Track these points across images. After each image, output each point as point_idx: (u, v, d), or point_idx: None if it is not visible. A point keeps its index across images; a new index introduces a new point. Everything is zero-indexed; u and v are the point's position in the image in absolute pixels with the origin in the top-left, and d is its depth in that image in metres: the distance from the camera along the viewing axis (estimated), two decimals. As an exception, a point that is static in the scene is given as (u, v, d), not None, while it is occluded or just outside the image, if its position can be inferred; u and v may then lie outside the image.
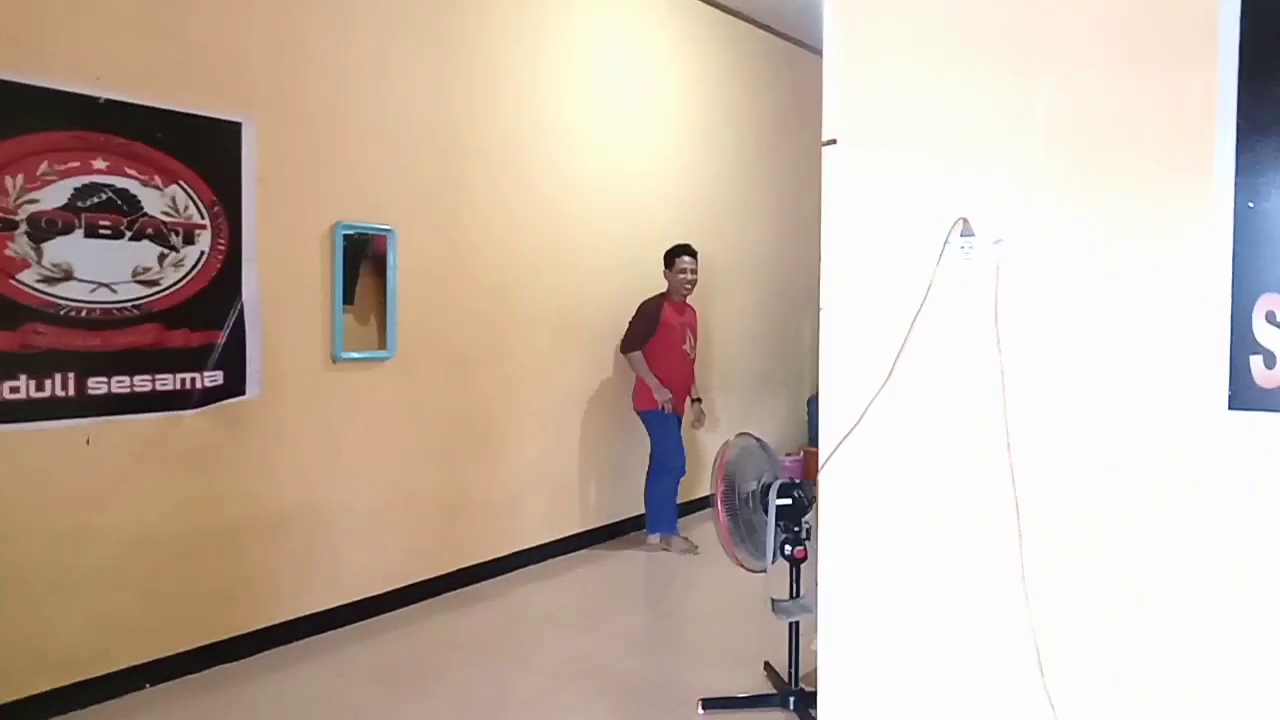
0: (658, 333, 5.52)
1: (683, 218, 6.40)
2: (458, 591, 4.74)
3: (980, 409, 2.69)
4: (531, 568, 5.20)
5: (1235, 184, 2.34)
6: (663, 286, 5.73)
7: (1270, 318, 2.32)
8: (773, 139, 7.36)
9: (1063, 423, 2.59)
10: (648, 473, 5.77)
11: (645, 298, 5.71)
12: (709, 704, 3.40)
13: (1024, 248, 2.62)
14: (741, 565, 3.40)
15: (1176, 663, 2.48)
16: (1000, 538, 2.67)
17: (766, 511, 3.31)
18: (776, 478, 3.40)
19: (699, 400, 5.88)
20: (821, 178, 2.96)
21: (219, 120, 3.70)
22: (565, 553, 5.48)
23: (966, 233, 2.69)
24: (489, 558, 4.98)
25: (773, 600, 3.40)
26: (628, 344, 5.54)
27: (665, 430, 5.59)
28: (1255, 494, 2.36)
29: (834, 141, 2.92)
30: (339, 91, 4.15)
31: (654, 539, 5.70)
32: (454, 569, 4.77)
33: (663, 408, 5.50)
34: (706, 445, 6.34)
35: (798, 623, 3.42)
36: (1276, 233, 2.31)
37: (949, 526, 2.78)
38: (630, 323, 5.57)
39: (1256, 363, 2.34)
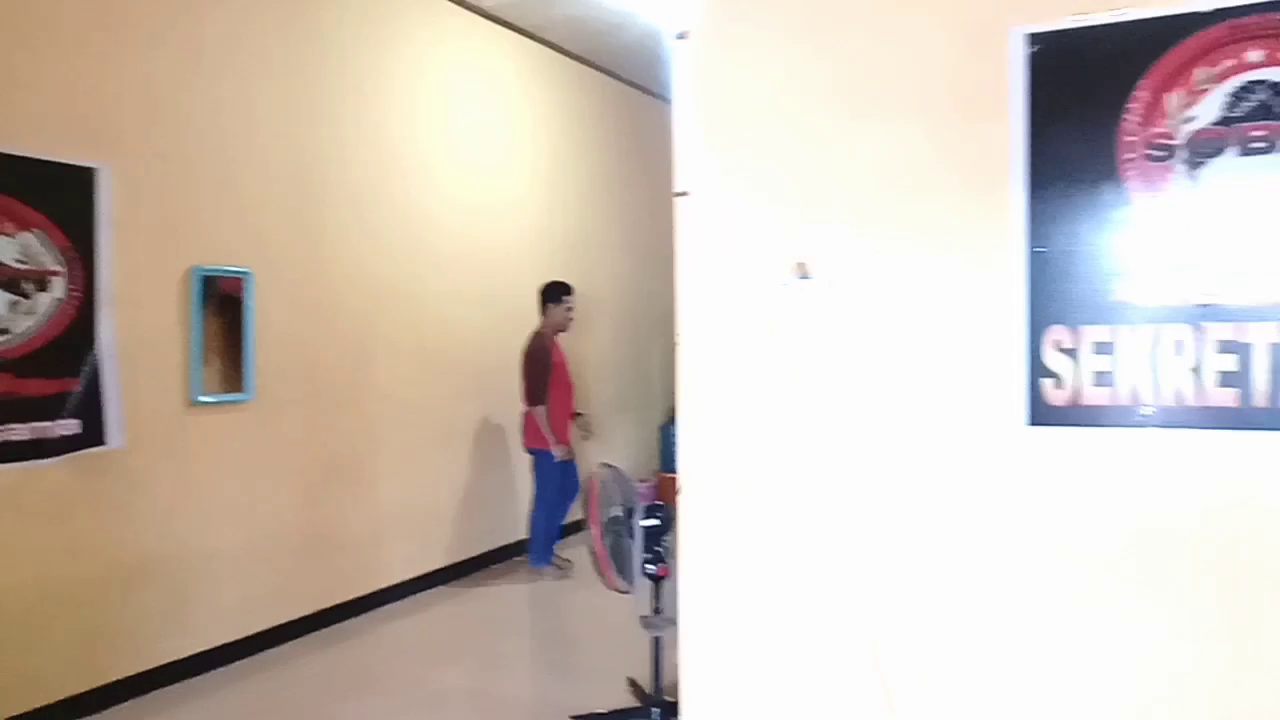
0: (554, 372, 5.65)
1: (538, 253, 6.62)
2: (326, 630, 4.74)
3: (819, 432, 3.00)
4: (399, 603, 5.25)
5: (1027, 230, 2.74)
6: (527, 321, 5.89)
7: (1057, 345, 2.72)
8: (622, 178, 7.68)
9: (891, 441, 2.94)
10: (533, 506, 5.88)
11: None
12: (579, 720, 3.59)
13: (853, 287, 2.96)
14: (615, 588, 3.60)
15: (994, 655, 2.84)
16: (839, 547, 2.99)
17: (632, 535, 3.53)
18: (637, 503, 3.62)
19: (582, 414, 6.05)
20: (674, 224, 3.24)
21: (73, 166, 3.67)
22: (433, 586, 5.54)
23: (804, 275, 3.01)
24: (356, 595, 5.01)
25: (642, 616, 3.62)
26: (534, 396, 5.59)
27: (553, 471, 5.71)
28: (1051, 495, 2.75)
29: (685, 193, 3.21)
30: (194, 136, 4.17)
31: (540, 568, 5.80)
32: (321, 608, 4.78)
33: (561, 459, 5.62)
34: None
35: (660, 638, 3.65)
36: (1059, 273, 2.71)
37: (793, 539, 3.07)
38: (528, 373, 5.61)
39: (1048, 385, 2.74)
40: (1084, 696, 2.73)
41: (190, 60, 4.16)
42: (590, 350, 7.29)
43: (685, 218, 3.21)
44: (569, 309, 5.76)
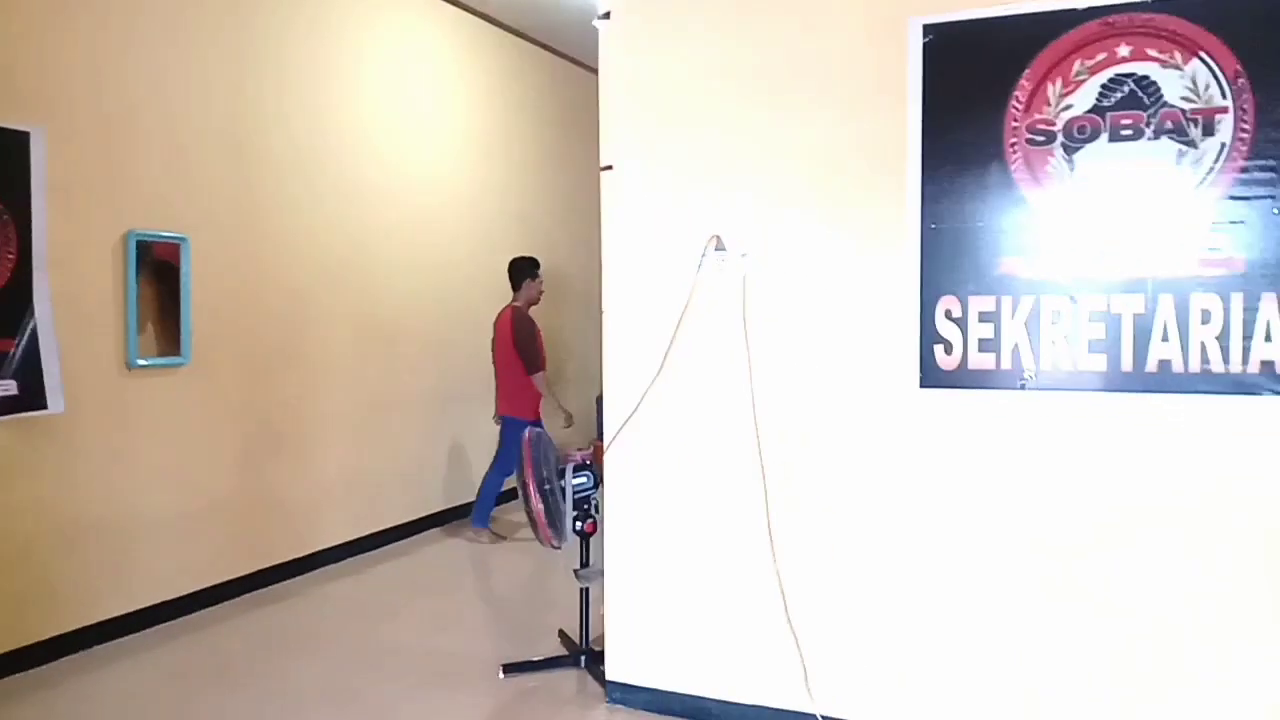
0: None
1: (474, 224, 6.73)
2: (264, 590, 4.86)
3: (733, 392, 3.22)
4: (338, 565, 5.38)
5: (921, 209, 2.98)
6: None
7: (948, 314, 2.97)
8: (563, 152, 7.80)
9: (797, 400, 3.17)
10: (489, 470, 5.98)
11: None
12: (509, 668, 3.77)
13: (764, 259, 3.18)
14: (551, 544, 3.74)
15: (889, 592, 3.09)
16: (749, 501, 3.21)
17: (561, 494, 3.70)
18: (563, 465, 3.79)
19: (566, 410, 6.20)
20: (600, 198, 3.41)
21: (5, 130, 3.70)
22: (371, 549, 5.68)
23: (720, 248, 3.21)
24: (292, 557, 5.12)
25: (575, 570, 3.81)
26: (536, 364, 5.70)
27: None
28: (940, 448, 3.00)
29: (610, 167, 3.38)
30: (130, 101, 4.21)
31: (477, 530, 5.93)
32: (259, 568, 4.89)
33: (566, 425, 5.80)
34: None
35: (588, 591, 3.84)
36: (950, 248, 2.95)
37: (711, 491, 3.30)
38: (520, 344, 5.70)
39: (939, 350, 2.99)
40: (965, 627, 3.00)
41: (129, 24, 4.19)
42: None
43: (610, 191, 3.40)
44: (541, 284, 5.89)
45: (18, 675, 3.75)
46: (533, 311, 5.91)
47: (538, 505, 3.64)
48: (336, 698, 3.57)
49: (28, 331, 3.78)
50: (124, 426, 4.20)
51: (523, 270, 5.91)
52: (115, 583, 4.17)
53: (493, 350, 5.91)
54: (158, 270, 4.37)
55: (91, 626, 4.06)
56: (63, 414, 3.88)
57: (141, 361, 4.27)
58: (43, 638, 3.88)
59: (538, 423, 5.62)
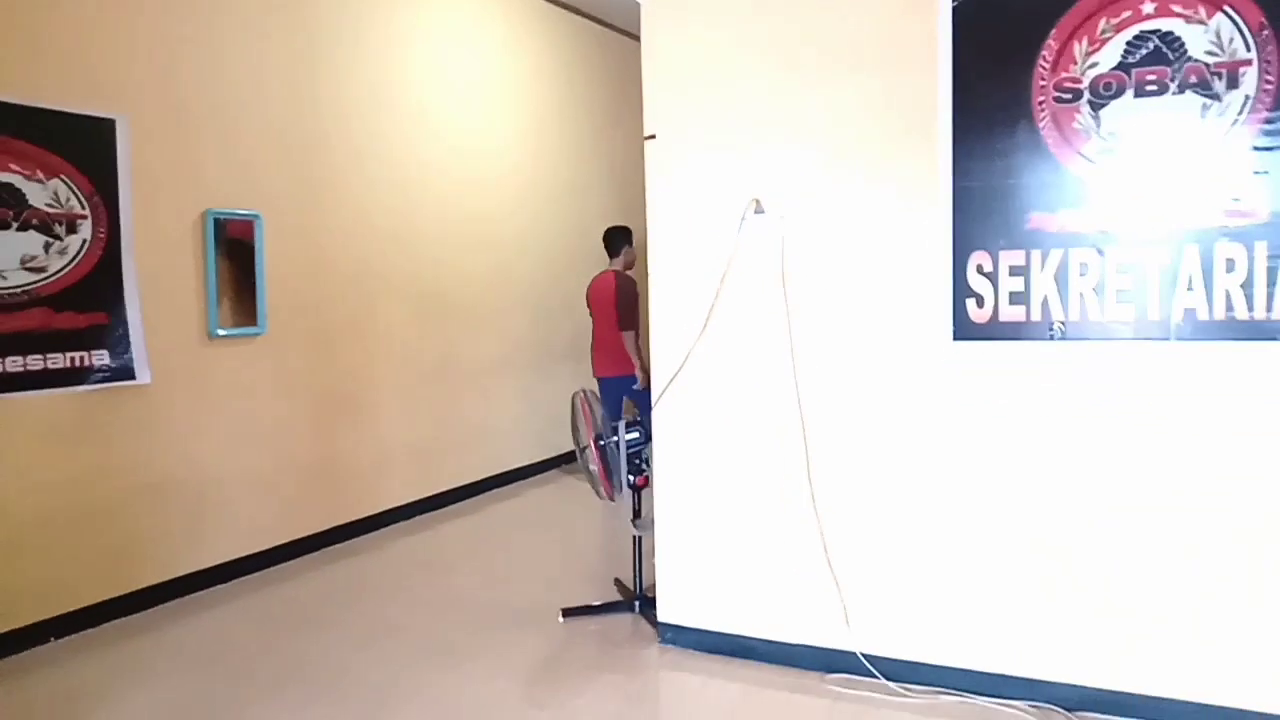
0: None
1: (526, 198, 6.94)
2: (334, 546, 5.16)
3: (773, 347, 3.38)
4: (403, 523, 5.67)
5: (952, 168, 3.10)
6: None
7: (979, 269, 3.09)
8: (610, 122, 7.95)
9: (834, 354, 3.32)
10: None
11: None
12: (568, 612, 4.00)
13: (802, 220, 3.32)
14: (610, 497, 3.94)
15: (928, 536, 3.25)
16: (791, 450, 3.38)
17: (617, 448, 3.90)
18: (614, 422, 3.99)
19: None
20: (645, 166, 3.58)
21: (95, 118, 3.99)
22: (433, 509, 5.96)
23: (759, 210, 3.37)
24: (361, 515, 5.42)
25: (632, 520, 4.02)
26: (627, 323, 5.89)
27: (623, 397, 6.04)
28: (973, 397, 3.13)
29: (654, 136, 3.55)
30: (205, 88, 4.47)
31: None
32: (329, 526, 5.19)
33: (640, 387, 5.97)
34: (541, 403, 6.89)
35: (641, 541, 4.05)
36: (981, 205, 3.07)
37: (753, 443, 3.47)
38: (620, 304, 5.89)
39: (971, 304, 3.11)
40: (997, 567, 3.14)
41: (201, 17, 4.45)
42: (582, 292, 7.63)
43: (654, 159, 3.56)
44: (634, 249, 6.08)
45: (117, 621, 4.09)
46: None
47: (599, 463, 3.85)
48: (406, 637, 3.83)
49: (119, 306, 4.08)
50: (206, 392, 4.50)
51: (620, 237, 6.12)
52: (200, 537, 4.49)
53: (590, 313, 6.12)
54: (233, 246, 4.65)
55: (179, 578, 4.39)
56: (151, 382, 4.19)
57: (221, 332, 4.56)
58: (137, 588, 4.21)
59: (634, 379, 5.85)
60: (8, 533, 3.73)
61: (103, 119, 4.02)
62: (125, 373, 4.10)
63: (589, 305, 6.12)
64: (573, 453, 4.24)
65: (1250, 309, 2.75)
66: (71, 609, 3.95)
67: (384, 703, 3.26)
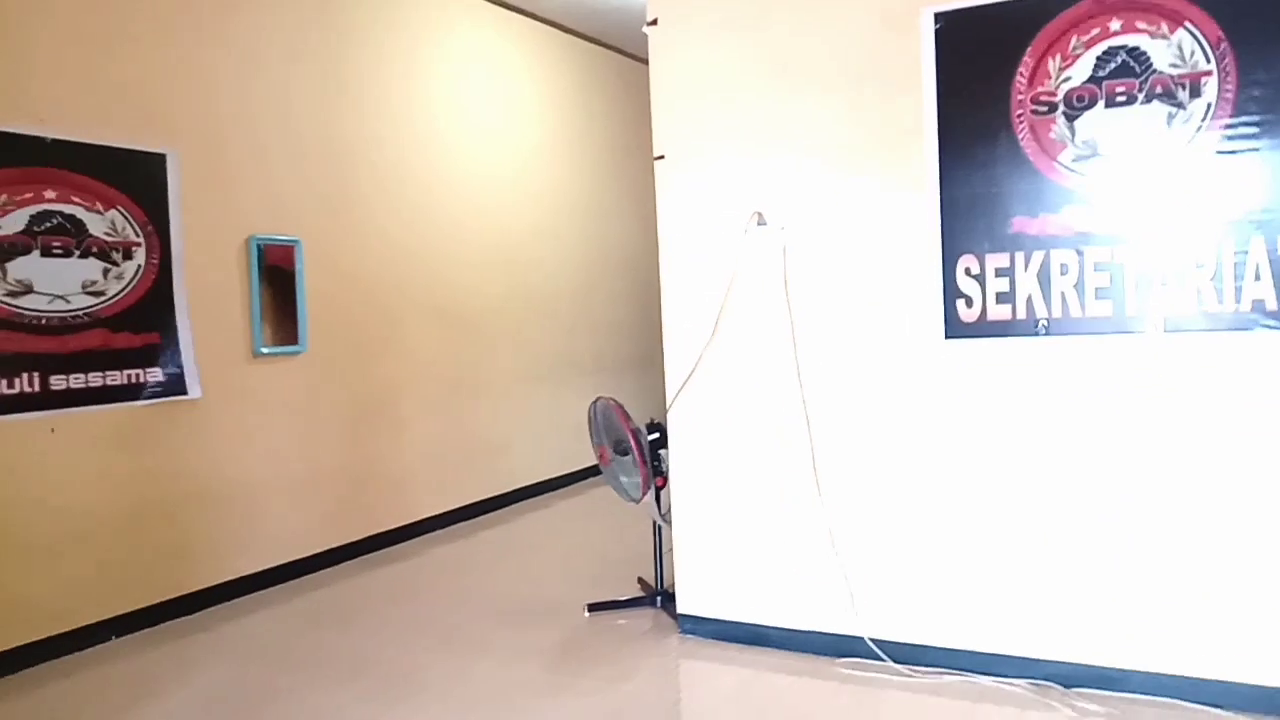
0: None
1: (549, 219, 7.22)
2: (372, 554, 5.43)
3: (778, 350, 3.61)
4: (437, 532, 5.93)
5: (940, 178, 3.32)
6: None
7: (968, 271, 3.31)
8: (627, 144, 8.23)
9: (835, 355, 3.53)
10: None
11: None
12: (594, 607, 4.23)
13: (801, 230, 3.55)
14: (648, 488, 4.13)
15: (929, 529, 3.44)
16: (797, 447, 3.59)
17: (641, 452, 4.13)
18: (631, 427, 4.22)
19: None
20: (656, 185, 3.83)
21: (147, 152, 4.31)
22: (465, 518, 6.22)
23: (761, 222, 3.60)
24: (397, 524, 5.68)
25: (661, 516, 4.22)
26: None
27: None
28: (966, 392, 3.33)
29: (662, 157, 3.80)
30: (246, 123, 4.80)
31: None
32: (366, 535, 5.46)
33: None
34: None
35: (661, 541, 4.26)
36: (967, 212, 3.29)
37: (762, 442, 3.69)
38: None
39: (961, 304, 3.33)
40: (995, 553, 3.34)
41: (239, 57, 4.78)
42: (605, 309, 7.90)
43: (663, 177, 3.81)
44: None
45: (177, 620, 4.37)
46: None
47: (636, 452, 4.05)
48: (441, 632, 4.08)
49: (170, 326, 4.39)
50: (251, 407, 4.79)
51: None
52: (248, 543, 4.77)
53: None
54: (274, 270, 4.95)
55: (228, 582, 4.66)
56: (199, 396, 4.48)
57: (265, 350, 4.85)
58: (189, 590, 4.49)
59: None
60: (73, 534, 4.02)
61: (154, 154, 4.34)
62: (177, 388, 4.40)
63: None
64: (596, 466, 4.48)
65: (1220, 301, 2.93)
66: (130, 609, 4.23)
67: (417, 686, 3.49)
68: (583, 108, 7.78)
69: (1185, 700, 3.02)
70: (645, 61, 3.92)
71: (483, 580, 4.87)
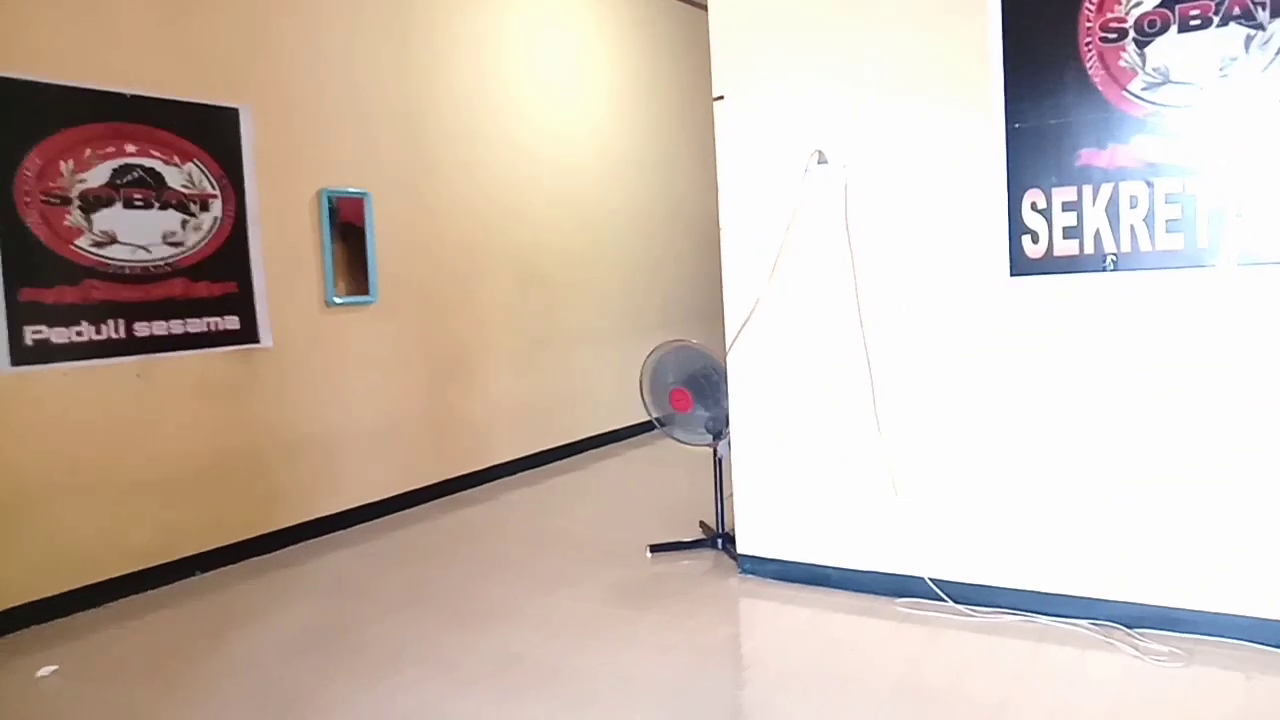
0: None
1: (618, 173, 7.23)
2: (447, 498, 5.60)
3: (838, 289, 3.59)
4: (510, 478, 6.08)
5: (1005, 110, 3.24)
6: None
7: (1034, 206, 3.24)
8: (692, 95, 8.15)
9: (897, 293, 3.50)
10: None
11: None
12: (656, 548, 4.30)
13: (862, 167, 3.51)
14: (727, 421, 4.16)
15: (987, 458, 3.41)
16: (857, 386, 3.58)
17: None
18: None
19: None
20: (715, 126, 3.82)
21: (222, 108, 4.44)
22: (537, 465, 6.35)
23: (822, 160, 3.57)
24: (471, 470, 5.84)
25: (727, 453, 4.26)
26: None
27: None
28: (1031, 330, 3.28)
29: (722, 97, 3.78)
30: (318, 78, 4.90)
31: None
32: (443, 479, 5.63)
33: None
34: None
35: (722, 484, 4.30)
36: (1033, 145, 3.21)
37: (821, 382, 3.68)
38: None
39: (1027, 240, 3.26)
40: (1056, 493, 3.29)
41: (315, 17, 4.88)
42: (671, 263, 7.91)
43: (723, 118, 3.79)
44: None
45: (262, 557, 4.58)
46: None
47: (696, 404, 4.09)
48: (512, 567, 4.23)
49: (246, 277, 4.55)
50: (326, 355, 4.95)
51: None
52: (327, 486, 4.95)
53: None
54: (346, 222, 5.07)
55: (310, 522, 4.85)
56: (277, 344, 4.65)
57: (338, 300, 4.99)
58: (272, 529, 4.69)
59: None
60: (158, 476, 4.23)
61: (228, 108, 4.47)
62: (251, 336, 4.56)
63: None
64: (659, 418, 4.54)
65: (1299, 233, 2.82)
66: (216, 546, 4.44)
67: (496, 616, 3.62)
68: (649, 60, 7.74)
69: (1253, 641, 2.96)
70: (705, 7, 3.88)
71: (554, 522, 4.99)
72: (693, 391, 4.28)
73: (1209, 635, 3.03)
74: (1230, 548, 2.99)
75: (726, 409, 4.05)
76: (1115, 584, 3.19)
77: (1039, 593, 3.32)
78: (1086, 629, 3.19)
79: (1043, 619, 3.28)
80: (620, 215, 7.28)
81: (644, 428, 7.44)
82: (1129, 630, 3.14)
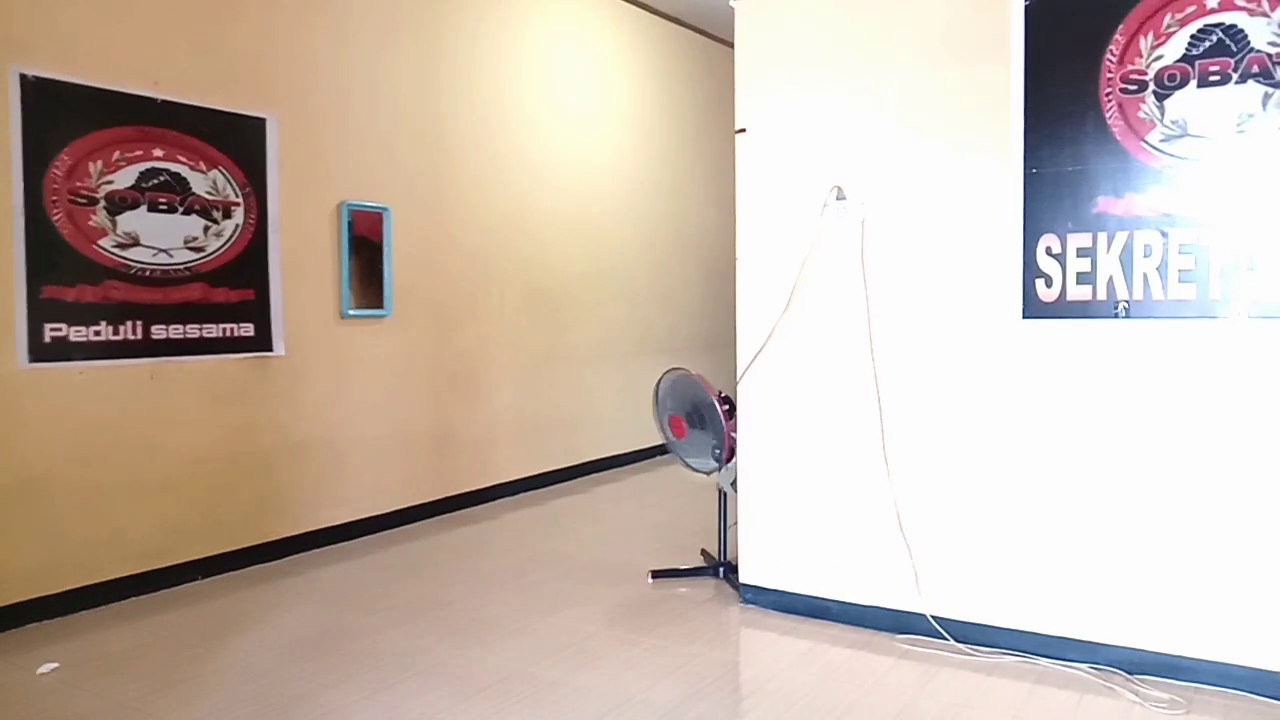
0: None
1: (631, 199, 7.30)
2: (449, 515, 5.61)
3: (851, 325, 3.62)
4: (512, 497, 6.09)
5: (1024, 155, 3.29)
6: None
7: (1048, 250, 3.28)
8: (705, 125, 8.26)
9: (910, 331, 3.54)
10: None
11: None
12: (657, 574, 4.30)
13: (880, 204, 3.55)
14: (731, 452, 4.18)
15: (997, 508, 3.43)
16: (866, 422, 3.61)
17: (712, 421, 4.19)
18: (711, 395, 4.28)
19: None
20: (736, 158, 3.87)
21: (248, 116, 4.50)
22: (539, 486, 6.36)
23: (840, 197, 3.61)
24: (474, 487, 5.85)
25: (732, 484, 4.27)
26: None
27: None
28: (1041, 373, 3.31)
29: (744, 130, 3.84)
30: (342, 92, 4.97)
31: None
32: (445, 495, 5.64)
33: None
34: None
35: (725, 513, 4.32)
36: (1050, 191, 3.26)
37: (831, 416, 3.71)
38: None
39: (1040, 284, 3.30)
40: (1062, 535, 3.31)
41: (341, 30, 4.96)
42: (678, 290, 7.96)
43: (744, 151, 3.85)
44: None
45: (264, 564, 4.59)
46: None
47: (725, 417, 4.11)
48: (514, 586, 4.22)
49: (264, 285, 4.59)
50: (338, 366, 4.98)
51: None
52: (332, 497, 4.97)
53: None
54: (363, 236, 5.12)
55: (313, 532, 4.86)
56: (290, 351, 4.68)
57: (352, 312, 5.04)
58: (275, 538, 4.70)
59: None
60: (166, 479, 4.24)
61: (255, 117, 4.53)
62: (265, 344, 4.59)
63: None
64: (665, 444, 4.57)
65: (1311, 288, 2.86)
66: (219, 551, 4.45)
67: (493, 632, 3.62)
68: (665, 89, 7.83)
69: (1253, 692, 2.97)
70: (725, 42, 3.96)
71: (555, 543, 5.00)
72: (688, 420, 4.31)
73: (1209, 684, 3.04)
74: (1234, 597, 3.01)
75: (723, 439, 4.07)
76: (1117, 629, 3.20)
77: (1040, 634, 3.32)
78: (1086, 673, 3.20)
79: (1043, 661, 3.29)
80: (632, 240, 7.34)
81: (646, 453, 7.47)
82: (1129, 675, 3.15)
